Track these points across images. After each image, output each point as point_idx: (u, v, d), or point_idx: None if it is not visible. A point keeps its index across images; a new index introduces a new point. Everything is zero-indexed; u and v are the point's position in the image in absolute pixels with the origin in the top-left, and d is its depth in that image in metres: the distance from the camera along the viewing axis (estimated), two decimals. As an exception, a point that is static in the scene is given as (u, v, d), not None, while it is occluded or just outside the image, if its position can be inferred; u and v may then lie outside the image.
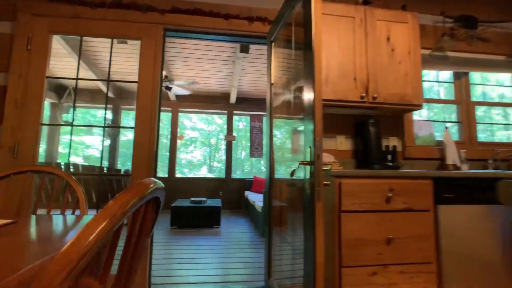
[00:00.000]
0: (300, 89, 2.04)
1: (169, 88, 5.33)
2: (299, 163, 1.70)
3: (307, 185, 1.68)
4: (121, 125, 7.66)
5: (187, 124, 18.02)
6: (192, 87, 6.65)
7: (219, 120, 16.17)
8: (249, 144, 18.31)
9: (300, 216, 2.19)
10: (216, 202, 5.70)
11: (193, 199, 5.60)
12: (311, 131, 1.63)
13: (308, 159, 1.67)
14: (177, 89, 5.75)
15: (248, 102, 7.30)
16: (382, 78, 2.57)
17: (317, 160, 1.62)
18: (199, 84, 6.46)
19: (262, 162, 20.03)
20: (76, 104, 6.86)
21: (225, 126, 7.43)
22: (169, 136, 7.18)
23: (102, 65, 5.59)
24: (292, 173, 1.80)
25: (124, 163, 8.22)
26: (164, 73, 5.04)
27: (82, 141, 10.94)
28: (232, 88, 6.42)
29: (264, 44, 3.04)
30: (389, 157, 2.78)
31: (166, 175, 6.99)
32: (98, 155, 11.49)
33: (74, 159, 11.15)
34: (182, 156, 17.87)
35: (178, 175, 15.18)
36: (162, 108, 6.91)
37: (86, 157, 11.92)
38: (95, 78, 5.60)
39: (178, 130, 7.68)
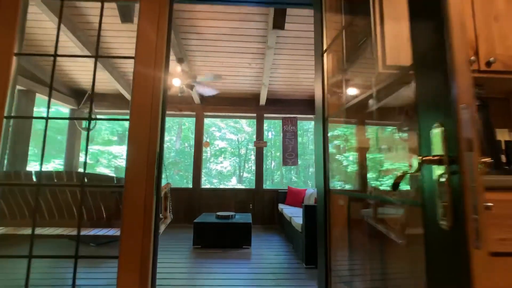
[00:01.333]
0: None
1: (191, 87, 4.65)
2: (422, 159, 0.81)
3: (439, 207, 0.78)
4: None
5: (216, 135, 17.66)
6: (218, 87, 5.96)
7: (248, 128, 15.54)
8: (278, 153, 17.50)
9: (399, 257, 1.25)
10: (246, 218, 4.85)
11: (219, 213, 4.80)
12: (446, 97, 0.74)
13: (434, 152, 0.78)
14: (201, 89, 5.06)
15: (280, 104, 6.47)
16: (499, 33, 1.63)
17: (466, 154, 0.73)
18: (224, 82, 5.75)
19: (293, 172, 19.07)
20: (96, 110, 6.44)
21: (254, 133, 6.64)
22: (191, 143, 6.52)
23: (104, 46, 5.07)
24: (398, 181, 0.89)
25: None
26: (181, 68, 4.36)
27: (109, 151, 10.66)
28: (262, 87, 5.63)
29: (306, 5, 2.21)
30: (503, 157, 1.81)
31: (190, 186, 6.28)
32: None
33: (103, 170, 10.89)
34: (212, 166, 17.51)
35: (205, 185, 14.73)
36: (185, 113, 6.23)
37: (115, 167, 11.65)
38: (95, 66, 5.05)
39: (204, 136, 7.01)
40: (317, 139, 1.99)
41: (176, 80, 4.49)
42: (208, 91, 5.19)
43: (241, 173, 17.89)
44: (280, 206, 5.82)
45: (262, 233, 5.53)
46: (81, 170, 6.50)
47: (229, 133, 16.28)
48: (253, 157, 19.51)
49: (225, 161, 16.69)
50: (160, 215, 3.51)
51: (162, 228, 3.18)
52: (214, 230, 4.41)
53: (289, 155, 6.38)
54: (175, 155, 13.61)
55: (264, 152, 6.49)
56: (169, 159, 13.37)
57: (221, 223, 4.44)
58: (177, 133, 14.38)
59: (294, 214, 4.67)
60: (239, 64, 5.22)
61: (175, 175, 13.19)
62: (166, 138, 14.43)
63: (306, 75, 5.59)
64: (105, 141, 11.86)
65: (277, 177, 18.04)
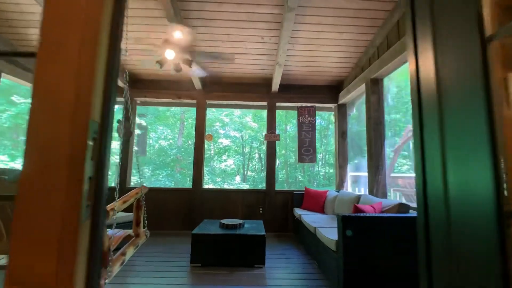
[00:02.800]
0: None
1: (189, 62, 3.63)
2: None
3: None
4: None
5: (220, 132, 16.62)
6: (222, 69, 4.93)
7: (254, 123, 14.49)
8: (283, 151, 16.43)
9: None
10: (257, 227, 3.82)
11: (224, 221, 3.78)
12: None
13: None
14: (199, 70, 4.04)
15: (295, 90, 5.43)
16: None
17: None
18: (230, 62, 4.71)
19: (298, 170, 17.97)
20: None
21: (259, 130, 5.59)
22: (194, 140, 5.48)
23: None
24: None
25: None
26: (177, 31, 3.32)
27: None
28: (276, 67, 4.58)
29: None
30: None
31: (190, 187, 5.25)
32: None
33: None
34: (216, 165, 16.53)
35: (207, 185, 13.76)
36: (185, 101, 5.19)
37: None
38: None
39: (206, 129, 5.98)
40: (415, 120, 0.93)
41: (169, 52, 3.46)
42: (199, 71, 4.16)
43: (245, 172, 16.89)
44: (297, 211, 4.77)
45: (275, 244, 4.49)
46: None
47: (233, 131, 15.29)
48: (257, 156, 18.50)
49: (229, 159, 15.76)
50: (130, 232, 2.50)
51: (128, 253, 2.15)
52: (218, 244, 3.38)
53: (306, 151, 5.34)
54: (177, 151, 12.62)
55: (267, 149, 5.45)
56: (170, 156, 12.39)
57: (227, 235, 3.41)
58: (179, 129, 13.40)
59: (320, 224, 3.63)
60: (249, 37, 4.17)
61: (177, 173, 12.19)
62: (166, 132, 13.43)
63: (328, 53, 4.54)
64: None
65: (282, 176, 17.01)
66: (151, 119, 11.85)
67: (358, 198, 3.80)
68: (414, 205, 2.96)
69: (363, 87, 4.48)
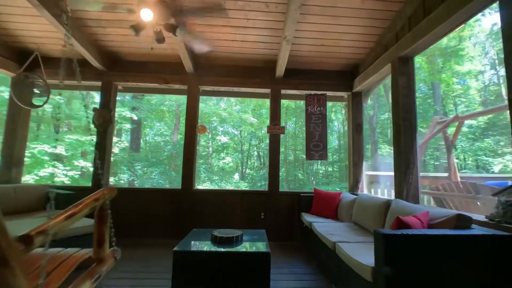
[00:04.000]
0: None
1: (173, 29, 2.76)
2: None
3: None
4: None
5: (219, 129, 15.69)
6: (218, 47, 4.06)
7: (253, 118, 13.59)
8: (282, 148, 15.56)
9: None
10: (259, 240, 2.98)
11: (217, 233, 2.93)
12: None
13: None
14: (188, 36, 3.19)
15: (303, 76, 4.58)
16: None
17: None
18: (227, 40, 3.85)
19: (297, 168, 17.11)
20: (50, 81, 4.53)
21: (259, 126, 4.71)
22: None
23: None
24: None
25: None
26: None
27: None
28: (283, 44, 3.71)
29: None
30: None
31: (180, 187, 4.39)
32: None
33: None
34: (214, 163, 15.65)
35: (204, 184, 12.87)
36: (174, 87, 3.72)
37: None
38: None
39: (201, 122, 5.14)
40: None
41: (146, 13, 2.59)
42: (200, 46, 3.31)
43: (244, 170, 16.05)
44: (306, 217, 3.93)
45: (279, 257, 3.66)
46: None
47: (232, 128, 14.44)
48: (256, 153, 17.64)
49: (227, 157, 14.98)
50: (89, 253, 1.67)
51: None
52: (208, 266, 2.53)
53: (316, 146, 4.49)
54: (171, 148, 11.73)
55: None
56: (164, 153, 11.51)
57: (219, 254, 2.56)
58: (174, 125, 12.50)
59: (339, 237, 2.80)
60: (250, 3, 3.32)
61: (171, 170, 11.31)
62: (162, 128, 12.54)
63: (346, 27, 3.70)
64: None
65: (281, 174, 16.16)
66: (145, 113, 10.96)
67: (387, 204, 2.96)
68: (470, 215, 2.12)
69: (385, 69, 3.65)
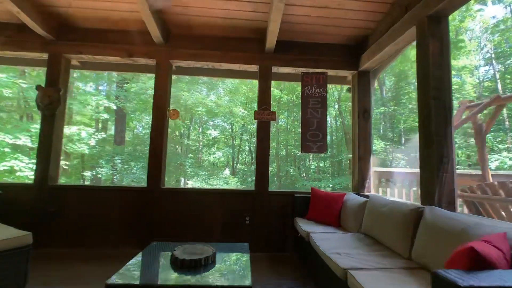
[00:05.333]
0: None
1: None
2: None
3: None
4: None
5: (209, 124, 14.65)
6: (192, 9, 3.09)
7: (244, 110, 12.59)
8: (274, 144, 14.74)
9: None
10: (237, 264, 2.07)
11: (179, 251, 2.01)
12: None
13: None
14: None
15: (298, 50, 3.67)
16: None
17: None
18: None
19: (290, 164, 16.25)
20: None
21: (251, 119, 3.75)
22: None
23: None
24: None
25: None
26: None
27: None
28: (274, 4, 2.77)
29: None
30: None
31: (145, 185, 3.44)
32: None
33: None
34: (205, 157, 14.66)
35: (191, 182, 11.88)
36: (139, 62, 3.02)
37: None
38: None
39: (172, 104, 4.19)
40: None
41: None
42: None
43: (235, 165, 15.14)
44: (301, 224, 3.04)
45: (268, 273, 2.77)
46: None
47: (223, 122, 13.48)
48: (248, 148, 16.71)
49: (218, 152, 14.10)
50: None
51: None
52: (156, 311, 1.62)
53: (313, 136, 3.59)
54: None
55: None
56: (147, 146, 10.45)
57: (176, 290, 1.65)
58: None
59: (355, 261, 1.91)
60: None
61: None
62: (148, 118, 11.46)
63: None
64: None
65: (273, 169, 15.30)
66: (133, 105, 9.93)
67: (417, 212, 2.07)
68: None
69: (406, 37, 2.77)
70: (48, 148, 3.40)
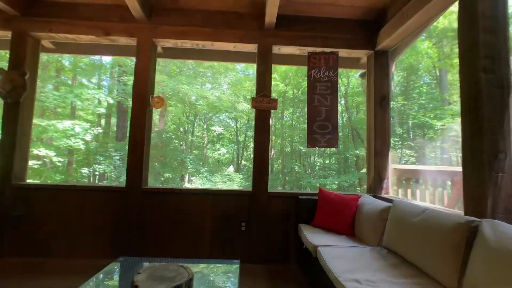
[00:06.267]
0: None
1: None
2: None
3: None
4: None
5: (214, 120, 14.14)
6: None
7: (247, 105, 11.97)
8: (279, 141, 14.18)
9: None
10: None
11: (145, 275, 1.46)
12: None
13: None
14: None
15: (304, 26, 3.05)
16: None
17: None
18: None
19: (295, 160, 15.61)
20: None
21: (253, 115, 3.11)
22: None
23: None
24: None
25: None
26: None
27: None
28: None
29: None
30: None
31: (123, 185, 2.89)
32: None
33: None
34: (210, 154, 14.17)
35: (195, 179, 11.36)
36: (117, 42, 2.63)
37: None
38: None
39: (157, 89, 3.62)
40: None
41: None
42: None
43: (239, 161, 14.60)
44: (307, 233, 2.45)
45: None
46: None
47: (227, 119, 12.98)
48: (252, 144, 16.14)
49: (222, 148, 13.66)
50: None
51: None
52: None
53: (321, 128, 2.99)
54: (155, 136, 10.18)
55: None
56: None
57: None
58: (160, 111, 10.93)
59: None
60: None
61: (154, 161, 9.81)
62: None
63: None
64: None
65: (277, 166, 14.71)
66: (129, 96, 9.43)
67: (470, 227, 1.47)
68: None
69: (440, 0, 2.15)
70: (11, 141, 2.88)
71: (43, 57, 8.89)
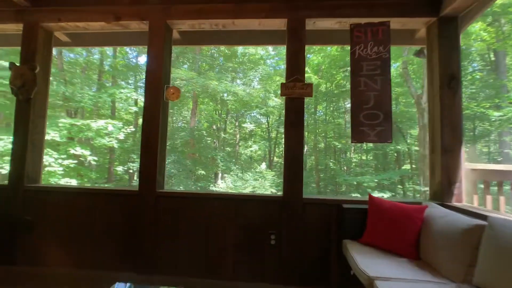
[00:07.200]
0: None
1: None
2: None
3: None
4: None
5: (246, 117, 13.79)
6: None
7: (276, 99, 11.33)
8: (313, 137, 13.44)
9: None
10: None
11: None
12: None
13: None
14: None
15: (346, -7, 2.41)
16: None
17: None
18: None
19: (331, 157, 14.61)
20: None
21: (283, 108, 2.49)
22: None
23: None
24: None
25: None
26: None
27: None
28: None
29: None
30: None
31: (136, 188, 2.51)
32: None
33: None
34: (242, 151, 13.90)
35: (226, 176, 11.07)
36: (130, 28, 2.38)
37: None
38: None
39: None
40: None
41: None
42: None
43: (271, 158, 14.08)
44: (356, 254, 1.85)
45: None
46: None
47: (259, 115, 12.55)
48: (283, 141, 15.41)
49: (254, 145, 13.29)
50: None
51: None
52: None
53: (370, 118, 2.34)
54: (186, 134, 10.03)
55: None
56: (178, 139, 9.83)
57: None
58: (191, 109, 10.80)
59: None
60: None
61: (186, 159, 9.66)
62: (172, 110, 10.88)
63: None
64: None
65: (310, 163, 13.91)
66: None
67: None
68: None
69: None
70: (23, 141, 2.64)
71: (79, 60, 9.13)
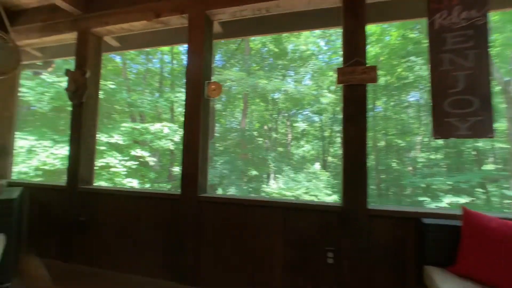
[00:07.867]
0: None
1: None
2: None
3: None
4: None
5: (298, 116, 13.35)
6: None
7: (330, 94, 10.56)
8: (371, 133, 12.29)
9: None
10: None
11: None
12: None
13: None
14: None
15: None
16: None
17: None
18: None
19: (393, 155, 13.05)
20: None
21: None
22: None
23: None
24: None
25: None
26: None
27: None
28: None
29: None
30: None
31: (179, 191, 2.34)
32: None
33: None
34: (294, 151, 13.51)
35: (279, 177, 10.75)
36: (170, 24, 2.34)
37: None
38: None
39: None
40: None
41: None
42: None
43: (326, 157, 13.31)
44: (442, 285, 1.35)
45: None
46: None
47: (311, 114, 12.01)
48: (339, 139, 14.47)
49: (306, 145, 12.80)
50: None
51: None
52: None
53: (459, 105, 1.77)
54: (237, 135, 10.02)
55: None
56: (229, 140, 9.87)
57: None
58: (242, 110, 10.77)
59: None
60: None
61: (238, 159, 9.62)
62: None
63: None
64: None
65: (369, 163, 12.66)
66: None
67: None
68: None
69: None
70: (78, 143, 2.71)
71: (138, 69, 9.81)
